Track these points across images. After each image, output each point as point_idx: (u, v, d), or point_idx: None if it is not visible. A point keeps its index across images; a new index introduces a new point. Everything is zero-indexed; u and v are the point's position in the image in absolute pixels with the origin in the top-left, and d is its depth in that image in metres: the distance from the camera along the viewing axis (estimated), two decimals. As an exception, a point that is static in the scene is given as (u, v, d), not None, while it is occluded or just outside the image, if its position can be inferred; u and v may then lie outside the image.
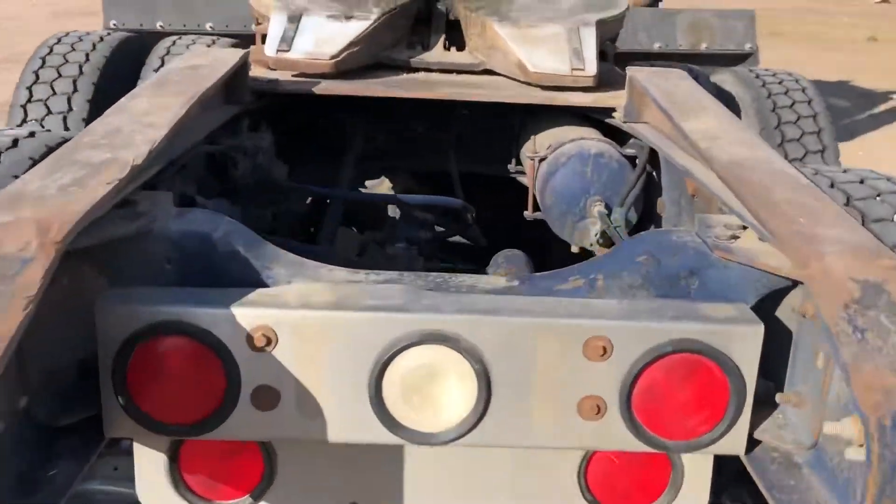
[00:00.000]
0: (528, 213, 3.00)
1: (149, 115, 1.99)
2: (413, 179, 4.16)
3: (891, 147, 8.83)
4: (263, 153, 2.77)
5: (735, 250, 1.74)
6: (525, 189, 3.57)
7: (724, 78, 4.81)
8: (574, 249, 2.94)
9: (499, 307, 1.66)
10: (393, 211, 4.36)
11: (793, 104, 4.54)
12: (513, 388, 1.65)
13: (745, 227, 1.84)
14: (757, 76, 4.76)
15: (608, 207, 2.69)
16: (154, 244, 1.70)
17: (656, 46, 5.56)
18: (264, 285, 1.72)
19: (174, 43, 4.64)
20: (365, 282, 1.78)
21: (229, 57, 2.65)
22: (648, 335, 1.64)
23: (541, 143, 2.97)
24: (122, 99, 2.17)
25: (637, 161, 2.82)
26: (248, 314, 1.62)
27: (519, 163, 3.51)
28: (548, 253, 3.91)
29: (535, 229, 4.12)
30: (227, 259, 1.72)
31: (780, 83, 4.67)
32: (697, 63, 5.15)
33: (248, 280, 1.72)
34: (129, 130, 1.91)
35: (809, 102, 4.57)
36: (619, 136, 2.98)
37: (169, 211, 1.80)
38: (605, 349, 1.64)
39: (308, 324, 1.62)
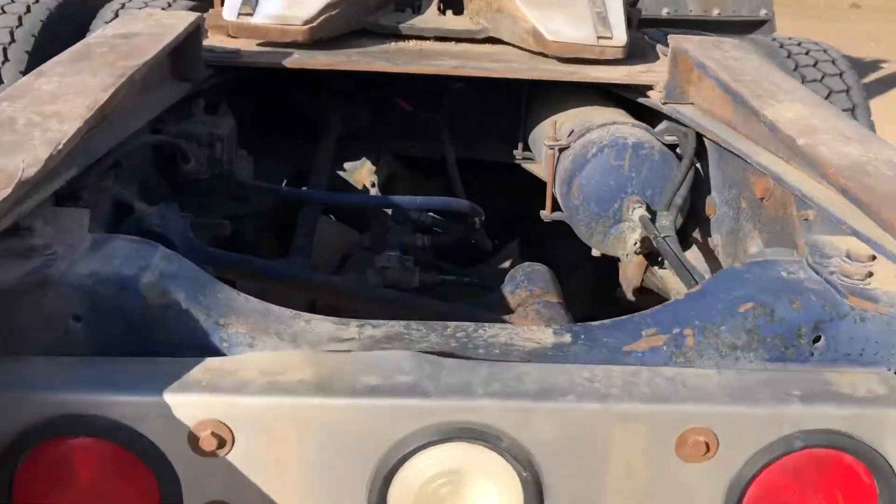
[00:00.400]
0: (546, 214, 2.49)
1: (56, 102, 1.45)
2: (400, 164, 3.64)
3: (890, 119, 8.41)
4: (222, 142, 2.23)
5: (880, 297, 1.24)
6: (531, 177, 3.07)
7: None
8: (595, 253, 2.45)
9: (553, 385, 1.16)
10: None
11: (822, 77, 4.05)
12: (575, 501, 1.15)
13: (873, 258, 1.35)
14: (781, 45, 4.25)
15: (650, 210, 2.18)
16: (53, 295, 1.17)
17: (664, 12, 5.03)
18: (216, 352, 1.21)
19: (123, 6, 4.05)
20: (358, 339, 1.27)
21: (176, 22, 2.10)
22: (768, 424, 1.15)
23: (560, 127, 2.45)
24: (25, 78, 1.62)
25: (680, 151, 2.31)
26: (192, 403, 1.10)
27: (527, 148, 3.00)
28: (558, 254, 3.42)
29: (534, 223, 3.63)
30: (160, 314, 1.20)
31: (807, 54, 4.18)
32: (709, 31, 4.63)
33: (191, 344, 1.20)
34: (25, 124, 1.37)
35: (841, 75, 4.09)
36: (646, 119, 2.48)
37: (79, 240, 1.28)
38: (707, 446, 1.14)
39: (278, 416, 1.11)
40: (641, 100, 2.45)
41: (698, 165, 2.32)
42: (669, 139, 2.34)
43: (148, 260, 1.25)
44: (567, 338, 1.30)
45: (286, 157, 2.99)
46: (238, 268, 1.83)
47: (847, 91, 4.05)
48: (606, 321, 1.34)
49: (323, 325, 1.29)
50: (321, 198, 2.36)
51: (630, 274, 2.49)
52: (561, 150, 2.37)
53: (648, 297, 2.55)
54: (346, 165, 3.85)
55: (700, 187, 2.31)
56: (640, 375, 1.19)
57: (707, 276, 2.28)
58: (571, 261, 3.30)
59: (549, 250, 3.52)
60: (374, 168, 3.85)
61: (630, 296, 2.50)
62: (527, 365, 1.21)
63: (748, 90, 1.85)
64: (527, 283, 2.06)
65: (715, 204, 2.27)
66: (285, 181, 3.44)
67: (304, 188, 3.07)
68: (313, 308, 2.02)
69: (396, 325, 1.31)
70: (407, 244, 2.39)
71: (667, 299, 2.41)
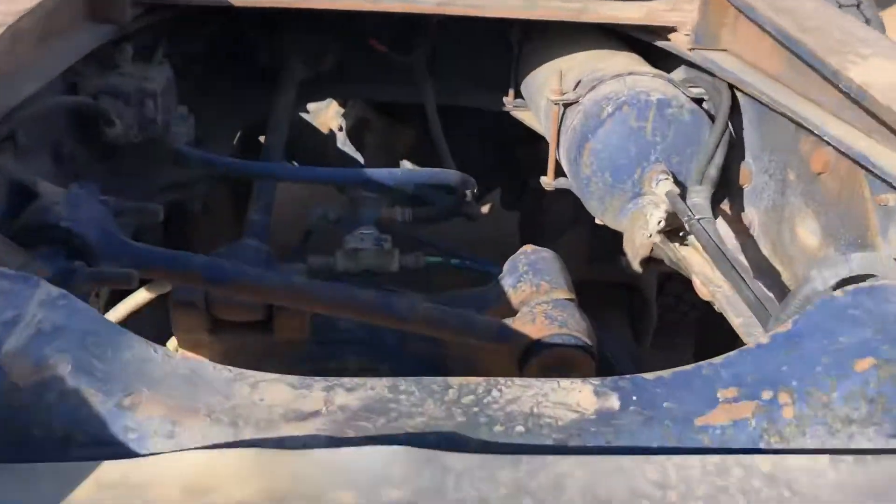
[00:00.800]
0: (548, 181, 2.11)
1: None
2: (371, 108, 3.24)
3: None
4: (155, 99, 1.81)
5: None
6: (520, 127, 2.69)
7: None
8: (598, 220, 2.09)
9: (609, 497, 0.80)
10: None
11: (839, 8, 3.66)
12: None
13: None
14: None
15: (678, 183, 1.82)
16: None
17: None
18: (118, 450, 0.83)
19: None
20: (325, 413, 0.90)
21: (90, -52, 1.66)
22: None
23: (565, 76, 2.06)
24: None
25: (707, 107, 1.94)
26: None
27: (519, 95, 2.60)
28: (545, 207, 3.06)
29: (517, 171, 3.26)
30: (34, 398, 0.82)
31: (819, -19, 3.78)
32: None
33: (81, 441, 0.83)
34: None
35: (859, 6, 3.70)
36: (659, 65, 2.09)
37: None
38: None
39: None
40: (661, 44, 2.06)
41: (730, 125, 1.95)
42: (694, 92, 1.96)
43: (20, 308, 0.87)
44: (614, 401, 0.94)
45: (240, 107, 2.58)
46: (172, 268, 1.45)
47: (866, 24, 3.67)
48: (664, 373, 0.98)
49: (275, 390, 0.92)
50: (276, 172, 1.96)
51: (638, 242, 2.14)
52: (567, 105, 1.98)
53: (656, 266, 2.21)
54: (310, 107, 3.45)
55: (731, 150, 1.94)
56: (730, 474, 0.84)
57: (742, 258, 1.94)
58: (562, 218, 2.95)
59: (536, 203, 3.16)
60: (341, 110, 3.46)
61: (636, 267, 2.15)
62: (566, 460, 0.85)
63: (814, 41, 1.47)
64: (531, 274, 1.70)
65: (751, 172, 1.91)
66: (240, 133, 3.04)
67: (261, 139, 2.67)
68: (270, 311, 1.65)
69: (378, 386, 0.94)
70: (384, 219, 2.01)
71: (683, 275, 2.07)
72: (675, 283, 3.50)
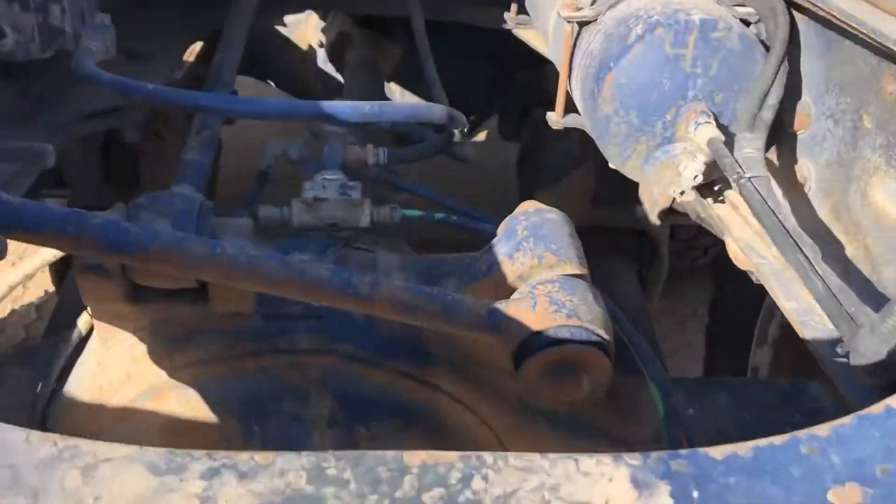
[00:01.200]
0: (556, 118, 1.73)
1: None
2: (354, 24, 2.87)
3: None
4: (63, 4, 1.42)
5: None
6: (523, 47, 2.31)
7: None
8: (614, 167, 1.72)
9: None
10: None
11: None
12: None
13: None
14: None
15: (722, 128, 1.44)
16: None
17: None
18: None
19: None
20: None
21: None
22: None
23: (580, -12, 1.66)
24: None
25: (758, 32, 1.56)
26: None
27: (523, 10, 2.21)
28: (546, 140, 2.70)
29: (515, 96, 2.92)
30: None
31: None
32: None
33: None
34: None
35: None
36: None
37: None
38: None
39: None
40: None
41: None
42: (741, 11, 1.58)
43: None
44: (664, 499, 0.60)
45: (191, 18, 2.18)
46: (59, 232, 1.09)
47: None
48: (739, 449, 0.64)
49: (123, 479, 0.57)
50: (212, 104, 1.56)
51: (657, 192, 1.78)
52: (584, 24, 1.59)
53: (675, 218, 1.85)
54: (288, 20, 3.08)
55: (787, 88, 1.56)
56: None
57: (792, 220, 1.58)
58: (567, 154, 2.60)
59: (537, 135, 2.80)
60: (321, 24, 3.09)
61: (654, 220, 1.79)
62: None
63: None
64: (533, 241, 1.34)
65: (809, 115, 1.53)
66: (202, 46, 2.66)
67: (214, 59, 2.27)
68: (205, 286, 1.30)
69: (293, 469, 0.60)
70: (353, 161, 1.64)
71: (713, 236, 1.72)
72: (687, 227, 3.18)
